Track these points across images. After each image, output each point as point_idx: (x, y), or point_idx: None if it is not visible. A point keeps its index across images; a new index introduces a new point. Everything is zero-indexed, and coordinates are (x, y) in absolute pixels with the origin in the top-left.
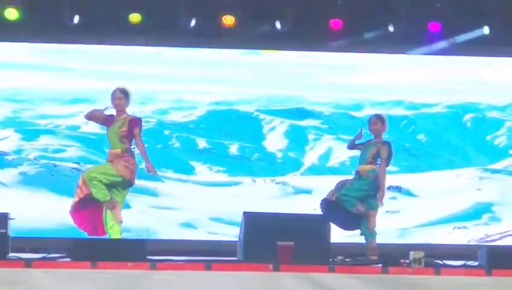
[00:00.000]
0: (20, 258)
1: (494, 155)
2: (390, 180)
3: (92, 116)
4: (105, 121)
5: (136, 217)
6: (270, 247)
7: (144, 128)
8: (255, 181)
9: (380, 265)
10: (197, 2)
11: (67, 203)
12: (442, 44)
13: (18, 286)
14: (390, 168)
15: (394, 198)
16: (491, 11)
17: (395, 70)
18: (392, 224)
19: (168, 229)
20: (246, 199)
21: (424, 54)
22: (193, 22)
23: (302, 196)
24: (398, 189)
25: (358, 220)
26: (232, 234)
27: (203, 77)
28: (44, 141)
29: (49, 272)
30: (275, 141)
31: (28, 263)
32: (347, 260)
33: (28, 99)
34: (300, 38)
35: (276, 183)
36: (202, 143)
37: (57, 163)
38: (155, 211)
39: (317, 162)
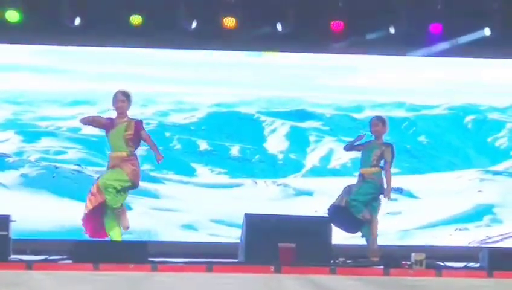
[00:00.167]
0: (21, 260)
1: (495, 157)
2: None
3: (88, 121)
4: (104, 124)
5: (137, 219)
6: (272, 249)
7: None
8: (256, 183)
9: (382, 267)
10: (198, 3)
11: (68, 205)
12: (443, 45)
13: (19, 287)
14: (391, 169)
15: (395, 200)
16: (492, 13)
17: (396, 72)
18: (393, 226)
19: (169, 231)
20: (247, 201)
21: (425, 56)
22: (194, 24)
23: (303, 198)
24: (399, 190)
25: (363, 223)
26: (233, 235)
27: (204, 78)
28: (45, 143)
29: (50, 274)
30: (276, 143)
31: (29, 265)
32: (348, 261)
33: (29, 101)
34: (301, 40)
35: (277, 185)
36: (203, 145)
37: (58, 165)
38: (156, 213)
39: (318, 164)
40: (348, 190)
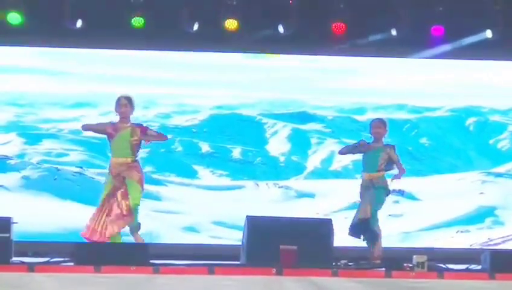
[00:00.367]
0: (23, 263)
1: (497, 159)
2: (392, 183)
3: (90, 128)
4: (107, 131)
5: (139, 221)
6: (273, 251)
7: None
8: (257, 185)
9: (383, 269)
10: (200, 5)
11: (69, 207)
12: (444, 48)
13: None
14: (392, 171)
15: (397, 202)
16: (493, 15)
17: (398, 74)
18: (395, 228)
19: (170, 233)
20: (249, 203)
21: (427, 58)
22: (196, 26)
23: (305, 200)
24: (401, 193)
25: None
26: (234, 238)
27: (205, 80)
28: (47, 145)
29: (52, 276)
30: (277, 145)
31: (31, 267)
32: (350, 264)
33: (31, 103)
34: (303, 42)
35: (279, 187)
36: (205, 147)
37: (59, 167)
38: (158, 215)
39: (320, 166)
40: (365, 199)
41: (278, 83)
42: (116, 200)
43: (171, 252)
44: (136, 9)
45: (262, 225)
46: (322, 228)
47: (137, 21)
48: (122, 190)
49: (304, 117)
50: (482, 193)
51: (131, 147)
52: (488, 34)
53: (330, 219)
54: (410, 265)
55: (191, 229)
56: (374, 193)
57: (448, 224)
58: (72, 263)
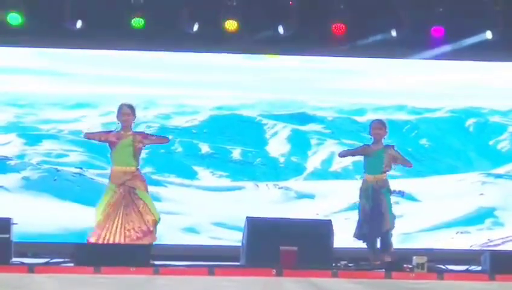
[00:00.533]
0: (23, 263)
1: (497, 160)
2: (392, 184)
3: (93, 137)
4: (110, 140)
5: None
6: (273, 252)
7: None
8: (257, 186)
9: (383, 270)
10: (200, 6)
11: (69, 208)
12: (444, 49)
13: None
14: (392, 172)
15: (397, 203)
16: (494, 16)
17: (398, 74)
18: (395, 229)
19: (170, 234)
20: (249, 204)
21: (427, 59)
22: (196, 27)
23: (305, 201)
24: (400, 194)
25: None
26: (234, 238)
27: (205, 81)
28: (47, 145)
29: (52, 277)
30: (277, 146)
31: (31, 268)
32: (350, 265)
33: (31, 104)
34: (303, 43)
35: (279, 188)
36: (205, 148)
37: (59, 168)
38: None
39: (319, 167)
40: (378, 208)
41: (278, 83)
42: (139, 216)
43: (171, 253)
44: (136, 10)
45: (262, 225)
46: (322, 228)
47: (138, 22)
48: (142, 205)
49: (304, 118)
50: (482, 194)
51: (134, 155)
52: (488, 35)
53: (330, 220)
54: (410, 266)
55: (191, 230)
56: (385, 196)
57: (448, 225)
58: (72, 264)
